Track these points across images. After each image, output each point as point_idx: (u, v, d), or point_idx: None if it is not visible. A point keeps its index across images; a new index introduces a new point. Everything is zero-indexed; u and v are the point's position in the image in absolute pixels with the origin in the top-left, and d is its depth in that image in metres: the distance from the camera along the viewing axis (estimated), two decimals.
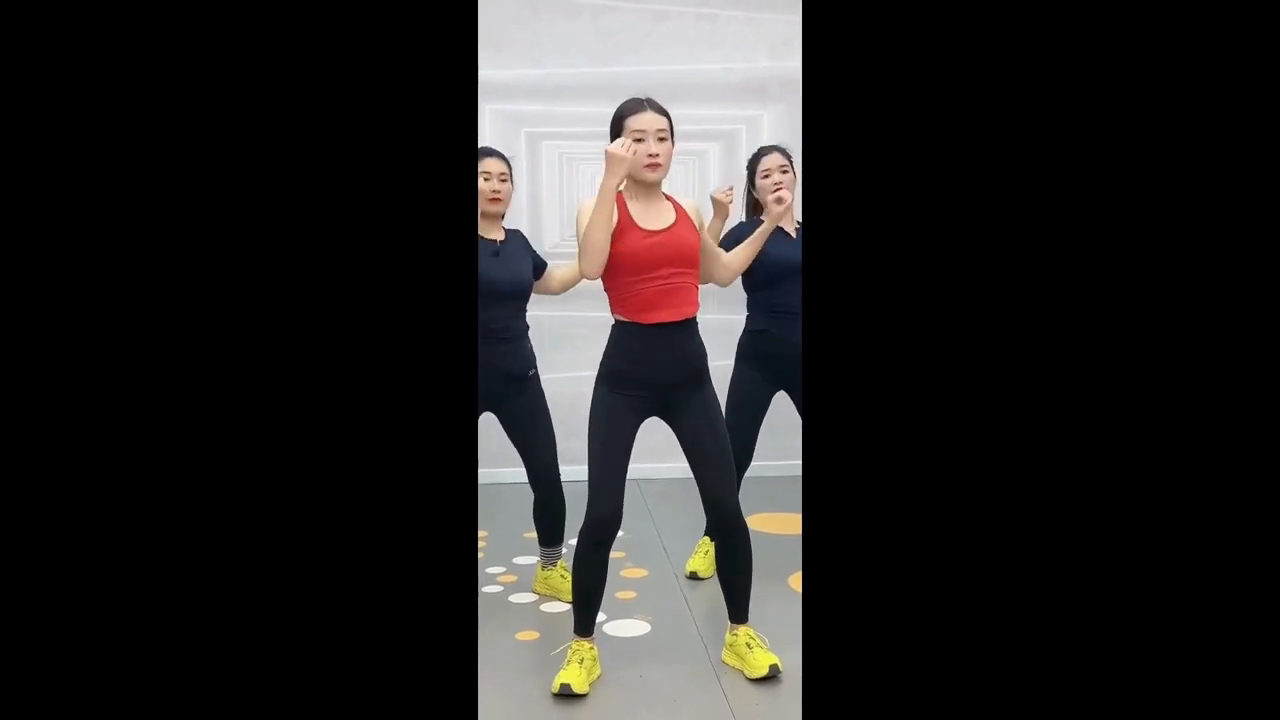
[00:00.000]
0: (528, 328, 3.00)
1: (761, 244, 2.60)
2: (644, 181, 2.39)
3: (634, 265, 2.36)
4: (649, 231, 2.38)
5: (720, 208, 3.06)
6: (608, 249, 2.33)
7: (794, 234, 3.11)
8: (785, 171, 3.11)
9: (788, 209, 2.64)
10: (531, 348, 2.99)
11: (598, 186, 2.31)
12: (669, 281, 2.39)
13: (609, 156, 2.31)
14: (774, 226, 2.60)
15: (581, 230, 2.39)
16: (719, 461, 2.50)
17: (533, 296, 3.02)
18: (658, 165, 2.37)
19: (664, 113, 2.41)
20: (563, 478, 3.06)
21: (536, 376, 3.00)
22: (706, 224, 2.61)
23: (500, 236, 2.93)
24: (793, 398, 3.19)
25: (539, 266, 3.06)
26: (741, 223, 3.21)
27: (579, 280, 2.94)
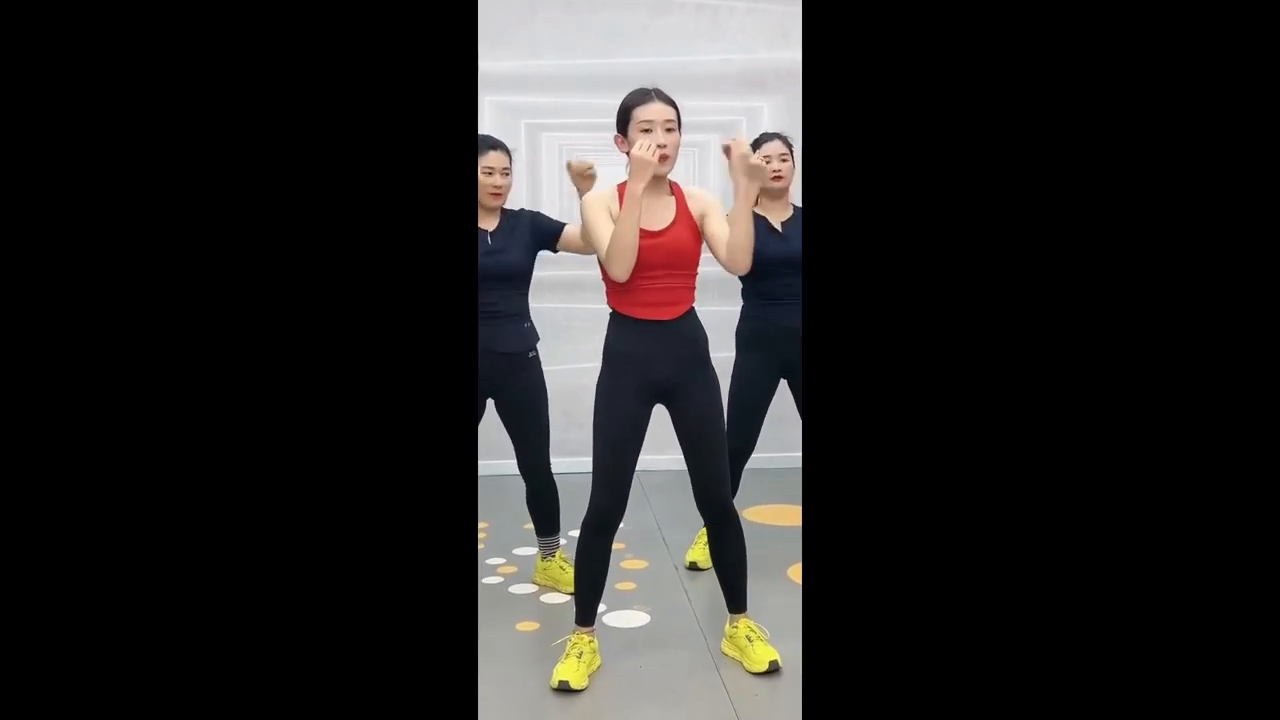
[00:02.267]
0: (527, 308, 2.98)
1: (748, 217, 2.33)
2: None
3: None
4: (648, 232, 2.36)
5: (756, 170, 2.80)
6: (636, 253, 2.32)
7: (780, 229, 3.10)
8: (785, 160, 3.12)
9: (754, 167, 2.39)
10: (532, 329, 2.97)
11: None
12: (662, 282, 2.39)
13: (634, 161, 2.30)
14: (747, 186, 2.32)
15: (588, 224, 2.39)
16: (712, 452, 2.50)
17: (535, 284, 3.00)
18: (666, 157, 2.35)
19: (671, 103, 2.39)
20: (566, 469, 3.05)
21: (538, 359, 2.97)
22: (714, 209, 2.45)
23: (492, 225, 2.92)
24: (792, 387, 3.19)
25: (552, 232, 2.97)
26: None
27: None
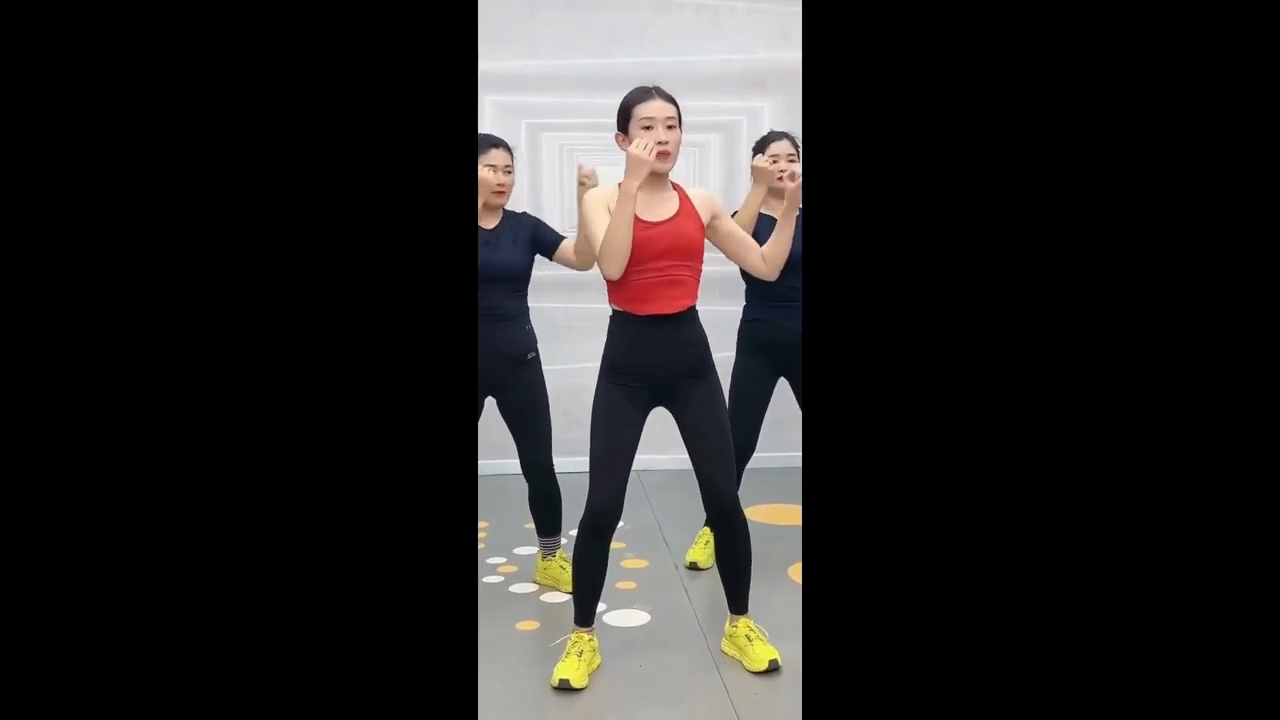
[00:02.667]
0: (526, 310, 2.98)
1: (791, 228, 2.49)
2: (653, 170, 2.36)
3: (632, 256, 2.35)
4: (648, 223, 2.37)
5: (762, 174, 3.02)
6: (629, 251, 2.33)
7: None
8: (793, 160, 3.12)
9: (798, 187, 2.55)
10: (532, 331, 2.98)
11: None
12: (665, 274, 2.38)
13: (630, 159, 2.30)
14: (796, 208, 2.51)
15: (586, 220, 2.40)
16: (719, 452, 2.50)
17: (534, 284, 3.01)
18: (666, 154, 2.36)
19: (672, 100, 2.40)
20: (565, 469, 3.06)
21: (537, 361, 2.98)
22: (722, 211, 2.51)
23: (493, 224, 2.92)
24: (793, 385, 3.20)
25: (551, 242, 2.99)
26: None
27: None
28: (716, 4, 4.47)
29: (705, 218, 2.45)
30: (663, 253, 2.37)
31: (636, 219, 2.35)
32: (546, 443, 3.02)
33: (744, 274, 3.15)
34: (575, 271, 3.03)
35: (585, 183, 2.78)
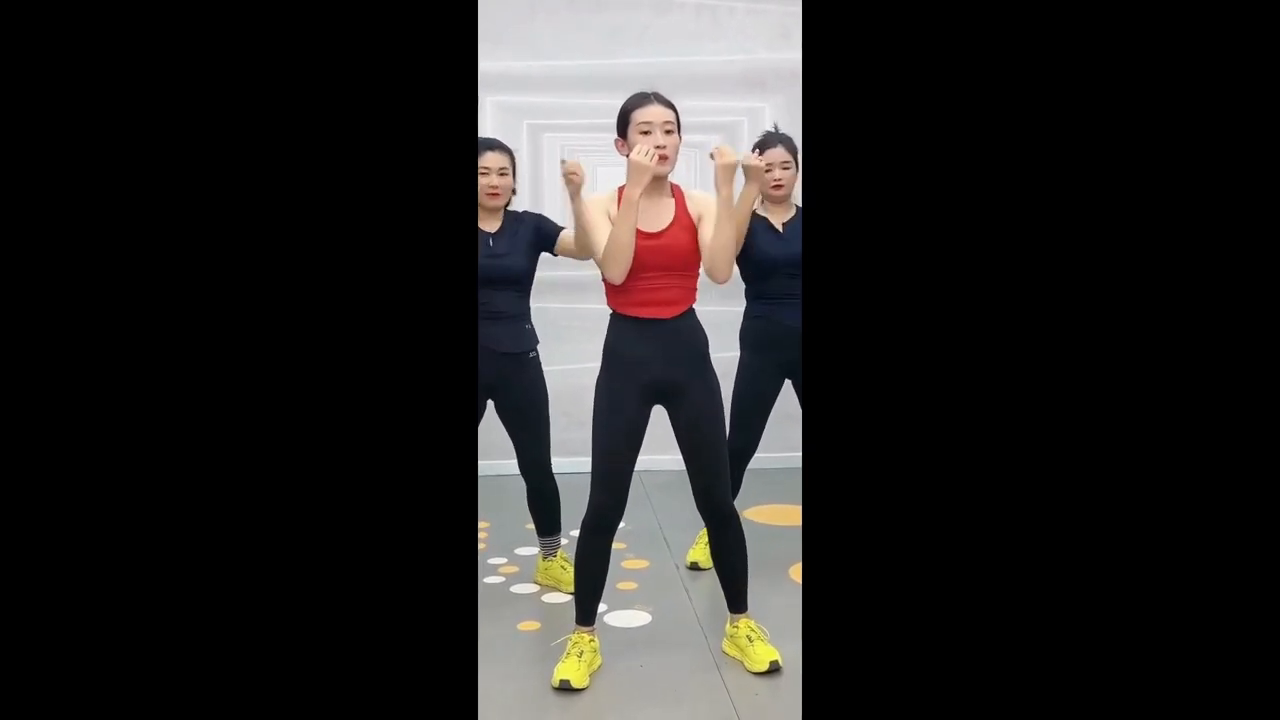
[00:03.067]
0: (527, 310, 2.98)
1: (729, 218, 2.36)
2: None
3: None
4: (644, 233, 2.38)
5: (754, 172, 2.83)
6: (632, 257, 2.35)
7: (781, 229, 3.09)
8: (787, 167, 3.09)
9: (754, 168, 2.52)
10: (532, 331, 2.97)
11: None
12: (660, 283, 2.41)
13: (632, 165, 2.31)
14: (753, 196, 2.42)
15: (586, 226, 2.41)
16: (711, 452, 2.50)
17: (535, 284, 3.01)
18: (665, 158, 2.37)
19: (670, 105, 2.42)
20: (567, 469, 3.06)
21: (538, 359, 2.97)
22: (711, 214, 2.43)
23: (494, 228, 2.92)
24: (796, 388, 3.19)
25: (551, 235, 2.95)
26: None
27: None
28: (716, 4, 4.47)
29: (695, 219, 2.44)
30: (656, 265, 2.40)
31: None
32: (545, 442, 3.02)
33: (743, 274, 3.14)
34: (577, 273, 3.02)
35: (573, 179, 2.70)
